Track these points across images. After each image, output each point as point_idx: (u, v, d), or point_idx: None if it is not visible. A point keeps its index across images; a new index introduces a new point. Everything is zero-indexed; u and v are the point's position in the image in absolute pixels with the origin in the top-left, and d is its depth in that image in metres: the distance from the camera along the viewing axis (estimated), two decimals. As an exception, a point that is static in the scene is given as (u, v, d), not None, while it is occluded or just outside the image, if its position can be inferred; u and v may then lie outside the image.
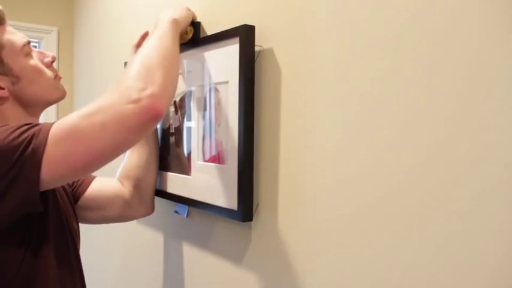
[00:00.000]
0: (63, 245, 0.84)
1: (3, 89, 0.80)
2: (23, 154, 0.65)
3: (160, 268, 1.25)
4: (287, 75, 0.82)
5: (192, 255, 1.10)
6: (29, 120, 0.84)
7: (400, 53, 0.63)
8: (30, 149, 0.65)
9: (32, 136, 0.66)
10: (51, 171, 0.66)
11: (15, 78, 0.81)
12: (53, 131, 0.66)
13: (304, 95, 0.78)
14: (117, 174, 1.10)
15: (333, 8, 0.73)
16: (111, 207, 1.04)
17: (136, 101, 0.65)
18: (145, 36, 1.15)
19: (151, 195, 1.09)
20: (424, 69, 0.60)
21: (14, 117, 0.82)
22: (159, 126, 1.17)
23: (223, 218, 0.97)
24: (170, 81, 0.73)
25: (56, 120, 0.69)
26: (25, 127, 0.68)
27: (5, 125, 0.71)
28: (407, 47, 0.62)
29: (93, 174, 1.10)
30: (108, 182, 1.08)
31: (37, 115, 0.88)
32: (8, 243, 0.73)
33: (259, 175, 0.88)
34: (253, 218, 0.89)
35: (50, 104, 0.89)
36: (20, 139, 0.66)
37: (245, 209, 0.87)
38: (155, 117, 0.67)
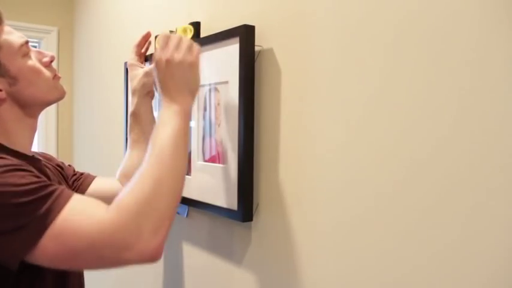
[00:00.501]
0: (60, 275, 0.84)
1: (0, 90, 0.79)
2: (25, 227, 0.64)
3: (160, 268, 1.25)
4: (287, 75, 0.82)
5: (192, 255, 1.10)
6: (27, 121, 0.84)
7: (400, 53, 0.63)
8: (32, 227, 0.64)
9: (38, 216, 0.65)
10: (36, 257, 0.65)
11: (12, 80, 0.79)
12: (57, 227, 0.65)
13: (304, 95, 0.78)
14: (117, 174, 1.09)
15: (332, 8, 0.73)
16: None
17: (137, 257, 0.66)
18: (146, 37, 1.14)
19: None
20: (425, 68, 0.60)
21: (12, 118, 0.81)
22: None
23: (223, 218, 0.97)
24: (174, 215, 0.72)
25: (69, 192, 0.69)
26: (42, 194, 0.66)
27: (19, 168, 0.69)
28: (408, 46, 0.62)
29: (93, 174, 1.11)
30: (108, 181, 1.08)
31: (35, 116, 0.87)
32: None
33: (259, 175, 0.88)
34: (253, 218, 0.89)
35: (48, 104, 0.88)
36: (28, 211, 0.65)
37: (245, 209, 0.87)
38: (151, 262, 0.68)
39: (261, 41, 0.87)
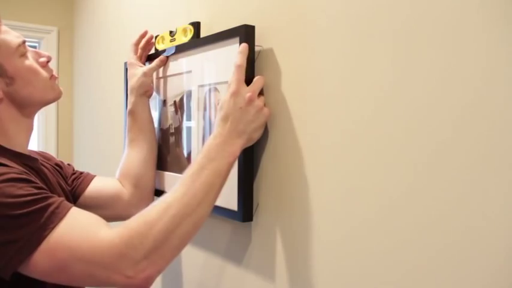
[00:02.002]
0: None
1: None
2: (21, 239, 0.64)
3: (160, 268, 1.25)
4: (287, 75, 0.82)
5: (192, 255, 1.10)
6: (24, 121, 0.83)
7: (401, 53, 0.63)
8: (27, 240, 0.64)
9: (38, 228, 0.64)
10: (29, 270, 0.65)
11: (9, 79, 0.79)
12: (51, 241, 0.64)
13: (305, 95, 0.78)
14: (117, 173, 1.10)
15: (332, 8, 0.73)
16: (111, 206, 1.04)
17: (129, 278, 0.65)
18: (144, 35, 1.14)
19: (151, 194, 1.10)
20: (428, 70, 0.60)
21: (9, 118, 0.81)
22: (158, 125, 1.17)
23: (223, 218, 0.97)
24: (179, 253, 0.72)
25: (68, 206, 0.68)
26: (38, 205, 0.66)
27: (19, 178, 0.68)
28: (409, 46, 0.62)
29: (93, 173, 1.11)
30: (108, 181, 1.08)
31: (32, 116, 0.87)
32: None
33: (259, 175, 0.88)
34: (253, 218, 0.89)
35: (45, 104, 0.88)
36: (24, 220, 0.64)
37: (245, 209, 0.87)
38: None
39: (261, 41, 0.87)
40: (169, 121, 1.12)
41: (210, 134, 0.96)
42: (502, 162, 0.52)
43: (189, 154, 1.04)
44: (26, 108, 0.84)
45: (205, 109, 0.98)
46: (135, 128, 1.08)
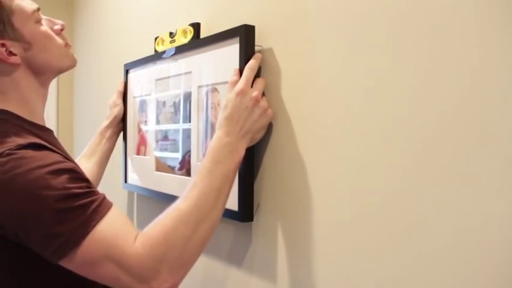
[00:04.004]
0: None
1: (15, 55, 0.78)
2: (62, 236, 0.65)
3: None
4: (287, 75, 0.82)
5: (193, 256, 1.10)
6: (40, 90, 0.84)
7: (400, 53, 0.63)
8: (71, 236, 0.65)
9: (81, 223, 0.65)
10: (66, 263, 0.66)
11: (26, 44, 0.79)
12: (92, 238, 0.65)
13: (304, 95, 0.78)
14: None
15: (332, 8, 0.73)
16: None
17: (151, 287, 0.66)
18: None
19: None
20: (425, 67, 0.60)
21: (28, 86, 0.81)
22: (158, 126, 1.17)
23: (223, 218, 0.96)
24: (198, 257, 0.73)
25: (109, 202, 0.70)
26: (84, 200, 0.66)
27: (65, 169, 0.69)
28: (408, 46, 0.62)
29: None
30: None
31: (47, 85, 0.87)
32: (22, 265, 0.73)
33: (259, 175, 0.88)
34: (254, 219, 0.89)
35: (61, 71, 0.88)
36: (70, 214, 0.65)
37: (246, 209, 0.87)
38: None
39: (261, 41, 0.87)
40: (169, 122, 1.12)
41: (209, 134, 0.96)
42: (502, 156, 0.52)
43: (188, 155, 1.04)
44: (42, 75, 0.83)
45: (204, 110, 0.98)
46: (100, 146, 1.22)
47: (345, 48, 0.71)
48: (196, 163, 1.00)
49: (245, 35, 0.85)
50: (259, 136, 0.83)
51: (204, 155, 0.98)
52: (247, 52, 0.85)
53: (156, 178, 1.17)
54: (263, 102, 0.81)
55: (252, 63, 0.82)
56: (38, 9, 0.82)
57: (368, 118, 0.68)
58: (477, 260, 0.54)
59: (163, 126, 1.15)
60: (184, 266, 0.69)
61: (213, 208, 0.73)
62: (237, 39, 0.86)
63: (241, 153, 0.78)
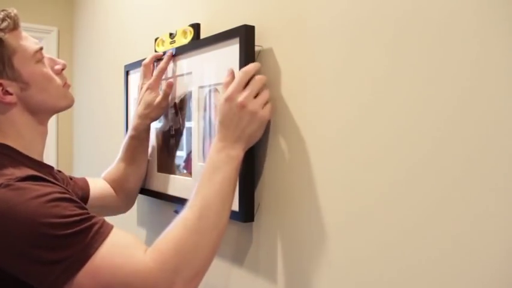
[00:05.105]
0: None
1: (11, 94, 0.79)
2: (64, 260, 0.64)
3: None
4: (287, 75, 0.82)
5: (194, 256, 1.10)
6: (38, 128, 0.84)
7: (400, 52, 0.63)
8: (73, 258, 0.65)
9: (79, 248, 0.65)
10: (75, 287, 0.66)
11: (24, 85, 0.80)
12: (95, 262, 0.65)
13: (305, 95, 0.78)
14: (103, 174, 1.15)
15: (332, 8, 0.73)
16: (108, 205, 1.12)
17: None
18: (157, 56, 1.12)
19: (135, 194, 1.19)
20: (425, 68, 0.60)
21: (24, 124, 0.82)
22: (159, 127, 1.17)
23: (224, 218, 0.97)
24: (210, 264, 0.74)
25: (109, 225, 0.69)
26: (83, 226, 0.66)
27: (65, 197, 0.69)
28: (408, 46, 0.62)
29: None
30: (99, 183, 1.13)
31: (45, 123, 0.88)
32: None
33: (260, 175, 0.88)
34: (255, 219, 0.89)
35: (57, 111, 0.89)
36: (72, 241, 0.65)
37: (246, 209, 0.87)
38: None
39: (261, 41, 0.87)
40: (170, 123, 1.12)
41: (210, 134, 0.96)
42: (503, 157, 0.52)
43: (189, 155, 1.04)
44: (39, 114, 0.84)
45: (205, 110, 0.98)
46: (137, 149, 1.12)
47: (345, 48, 0.71)
48: (197, 163, 1.00)
49: (245, 35, 0.85)
50: (255, 139, 0.82)
51: (204, 155, 0.99)
52: (247, 52, 0.85)
53: (158, 179, 1.17)
54: (252, 106, 0.77)
55: (247, 67, 0.80)
56: (41, 49, 0.84)
57: (368, 118, 0.68)
58: (478, 261, 0.54)
59: (164, 127, 1.15)
60: (198, 274, 0.70)
61: (218, 214, 0.73)
62: (237, 39, 0.86)
63: (239, 156, 0.78)
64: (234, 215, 0.88)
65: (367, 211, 0.68)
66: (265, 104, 0.81)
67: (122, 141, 1.34)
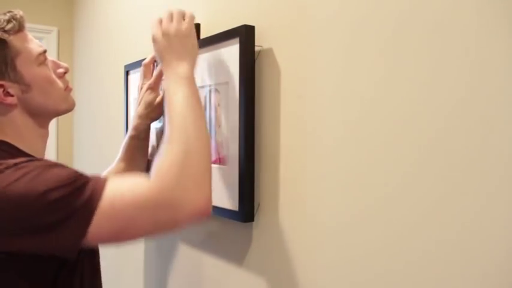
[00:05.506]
0: (90, 267, 0.85)
1: (12, 96, 0.79)
2: (70, 219, 0.65)
3: (160, 269, 1.25)
4: (287, 75, 0.82)
5: (193, 256, 1.10)
6: (39, 130, 0.85)
7: (400, 53, 0.63)
8: (77, 216, 0.65)
9: (82, 204, 0.66)
10: (93, 240, 0.67)
11: (25, 87, 0.80)
12: (104, 206, 0.66)
13: (304, 95, 0.78)
14: (103, 174, 1.14)
15: (332, 8, 0.73)
16: None
17: (191, 211, 0.68)
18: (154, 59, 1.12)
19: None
20: (425, 68, 0.60)
21: (24, 125, 0.82)
22: (159, 127, 1.17)
23: (224, 218, 0.97)
24: (211, 174, 0.74)
25: (104, 177, 0.70)
26: (77, 184, 0.67)
27: (56, 166, 0.70)
28: (408, 46, 0.62)
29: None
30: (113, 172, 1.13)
31: (45, 125, 0.88)
32: (37, 278, 0.73)
33: (260, 175, 0.88)
34: (255, 219, 0.89)
35: (58, 114, 0.89)
36: (70, 200, 0.66)
37: (246, 209, 0.87)
38: (204, 218, 0.70)
39: (261, 41, 0.87)
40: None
41: (210, 135, 0.96)
42: (501, 157, 0.52)
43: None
44: (39, 117, 0.85)
45: (205, 110, 0.98)
46: (137, 149, 1.11)
47: (345, 48, 0.71)
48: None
49: (245, 35, 0.85)
50: (193, 50, 0.84)
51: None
52: (247, 52, 0.85)
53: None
54: (172, 28, 0.83)
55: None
56: (44, 52, 0.84)
57: (368, 118, 0.68)
58: (478, 260, 0.54)
59: (164, 127, 1.15)
60: (203, 175, 0.71)
61: (195, 121, 0.75)
62: (237, 39, 0.86)
63: (187, 70, 0.80)
64: (234, 215, 0.89)
65: (367, 211, 0.68)
66: (183, 17, 0.85)
67: (122, 141, 1.34)
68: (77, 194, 0.66)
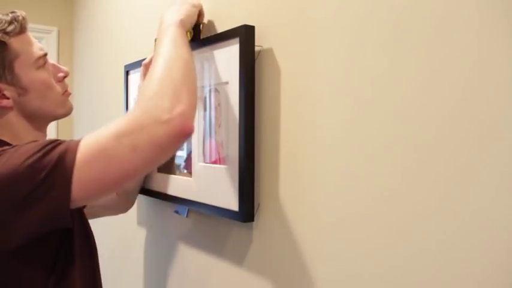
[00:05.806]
0: (90, 266, 0.84)
1: (8, 98, 0.79)
2: (51, 175, 0.63)
3: (160, 269, 1.25)
4: (287, 75, 0.82)
5: (193, 256, 1.10)
6: (35, 134, 0.84)
7: (400, 53, 0.63)
8: (58, 170, 0.63)
9: (59, 157, 0.63)
10: (82, 191, 0.64)
11: (22, 90, 0.79)
12: (81, 151, 0.64)
13: (304, 95, 0.78)
14: None
15: (332, 8, 0.73)
16: (104, 206, 1.12)
17: (167, 121, 0.63)
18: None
19: (135, 194, 1.21)
20: (424, 68, 0.60)
21: (20, 128, 0.81)
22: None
23: (224, 218, 0.97)
24: (194, 94, 0.71)
25: (80, 138, 0.67)
26: (49, 146, 0.65)
27: (32, 142, 0.69)
28: (408, 46, 0.62)
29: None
30: None
31: (43, 129, 0.87)
32: (33, 267, 0.72)
33: (260, 175, 0.88)
34: (255, 219, 0.89)
35: (55, 119, 0.89)
36: (46, 160, 0.63)
37: (246, 209, 0.87)
38: (186, 136, 0.66)
39: (261, 41, 0.87)
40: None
41: (210, 135, 0.96)
42: (500, 157, 0.52)
43: (189, 155, 1.04)
44: (35, 120, 0.84)
45: (205, 110, 0.98)
46: None
47: (345, 48, 0.71)
48: (198, 163, 1.00)
49: (245, 35, 0.85)
50: (186, 9, 0.87)
51: (204, 154, 0.99)
52: (247, 52, 0.85)
53: (158, 179, 1.17)
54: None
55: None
56: (45, 55, 0.83)
57: (368, 118, 0.68)
58: (477, 260, 0.54)
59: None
60: (179, 88, 0.68)
61: (178, 50, 0.74)
62: (237, 39, 0.86)
63: (176, 19, 0.81)
64: (233, 215, 0.89)
65: (367, 211, 0.68)
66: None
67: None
68: (52, 151, 0.64)
